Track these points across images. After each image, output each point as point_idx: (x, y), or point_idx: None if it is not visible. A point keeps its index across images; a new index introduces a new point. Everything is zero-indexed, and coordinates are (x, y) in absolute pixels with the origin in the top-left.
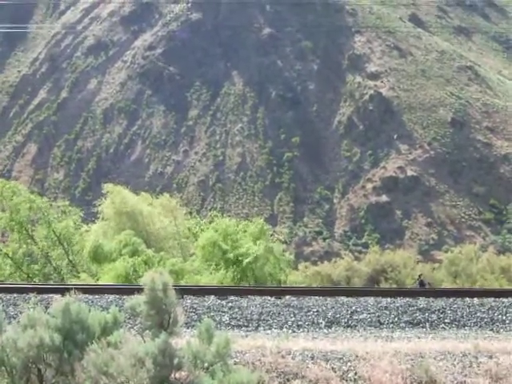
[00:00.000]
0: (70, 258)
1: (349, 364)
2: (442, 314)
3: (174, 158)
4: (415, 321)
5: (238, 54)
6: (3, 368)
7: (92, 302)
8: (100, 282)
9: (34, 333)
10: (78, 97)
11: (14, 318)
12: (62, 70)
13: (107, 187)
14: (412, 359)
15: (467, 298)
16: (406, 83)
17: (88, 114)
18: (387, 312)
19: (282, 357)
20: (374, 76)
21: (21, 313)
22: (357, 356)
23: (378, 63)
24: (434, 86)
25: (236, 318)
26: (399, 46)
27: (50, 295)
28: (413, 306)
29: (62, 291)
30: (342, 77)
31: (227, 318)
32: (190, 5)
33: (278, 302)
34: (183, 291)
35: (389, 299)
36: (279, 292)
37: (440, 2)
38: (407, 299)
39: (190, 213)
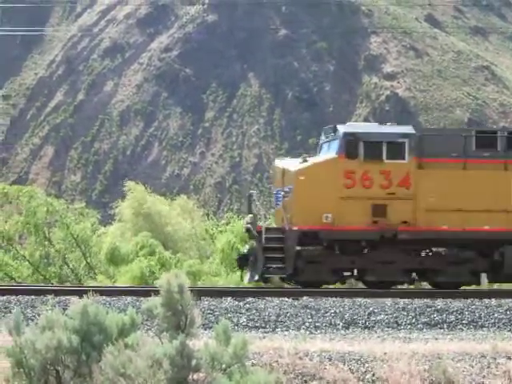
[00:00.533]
0: (88, 260)
1: (366, 365)
2: (459, 314)
3: (191, 159)
4: (433, 322)
5: (254, 56)
6: (21, 370)
7: (109, 303)
8: (117, 284)
9: (52, 335)
10: (95, 99)
11: (32, 320)
12: (78, 73)
13: (128, 185)
14: (430, 360)
15: (485, 299)
16: (422, 84)
17: (104, 116)
18: (405, 313)
19: (300, 358)
20: (391, 77)
21: (39, 315)
22: (374, 357)
23: (394, 64)
24: (450, 87)
25: (253, 319)
26: (415, 47)
27: (68, 297)
28: (430, 307)
29: (80, 293)
30: (358, 78)
31: (244, 320)
32: (205, 7)
33: (296, 303)
34: (200, 293)
35: (406, 300)
36: (296, 293)
37: (456, 2)
38: (425, 300)
39: (207, 214)
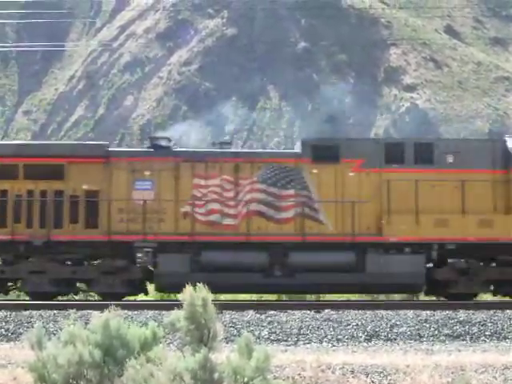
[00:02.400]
0: None
1: (389, 378)
2: (482, 326)
3: None
4: (455, 333)
5: (274, 69)
6: None
7: (131, 317)
8: (139, 298)
9: (74, 349)
10: (115, 113)
11: (54, 335)
12: (98, 87)
13: None
14: (453, 372)
15: (508, 310)
16: (442, 95)
17: (125, 131)
18: (427, 325)
19: (322, 371)
20: (410, 88)
21: (61, 329)
22: (397, 369)
23: (414, 75)
24: (470, 98)
25: (275, 332)
26: (435, 58)
27: (90, 311)
28: (453, 319)
29: (102, 307)
30: (377, 89)
31: (266, 333)
32: (224, 20)
33: (318, 315)
34: (222, 306)
35: (428, 312)
36: (318, 306)
37: (476, 13)
38: (447, 312)
39: None
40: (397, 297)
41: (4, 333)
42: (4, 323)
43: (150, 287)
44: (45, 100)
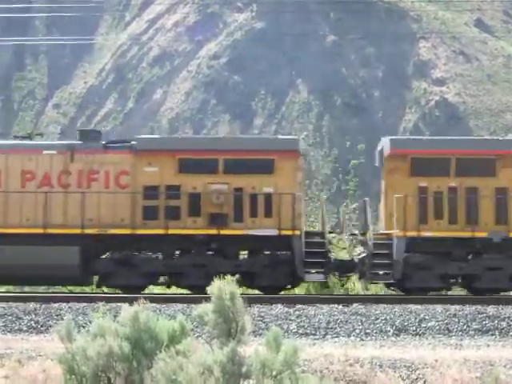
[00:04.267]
0: None
1: (417, 372)
2: (511, 321)
3: None
4: (484, 328)
5: (303, 62)
6: (73, 377)
7: (160, 310)
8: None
9: (104, 342)
10: (144, 107)
11: (84, 327)
12: (127, 81)
13: None
14: (481, 367)
15: None
16: (472, 89)
17: (154, 124)
18: (456, 319)
19: (350, 365)
20: (440, 82)
21: (90, 322)
22: (426, 364)
23: (444, 69)
24: (500, 91)
25: (303, 326)
26: (465, 52)
27: (119, 304)
28: (482, 314)
29: (131, 300)
30: (407, 83)
31: (294, 326)
32: (253, 14)
33: (346, 309)
34: (251, 299)
35: (457, 306)
36: (347, 300)
37: (505, 7)
38: (476, 306)
39: None
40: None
41: (34, 325)
42: (34, 315)
43: None
44: (74, 93)
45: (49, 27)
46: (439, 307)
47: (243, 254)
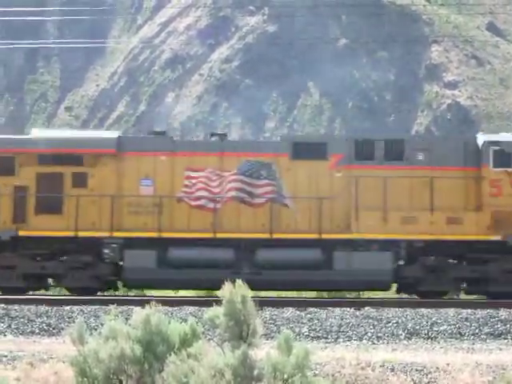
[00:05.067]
0: None
1: (429, 376)
2: None
3: None
4: (496, 332)
5: (314, 66)
6: (85, 379)
7: (171, 313)
8: (179, 294)
9: (115, 344)
10: (156, 110)
11: (96, 330)
12: (139, 84)
13: None
14: (494, 371)
15: None
16: (484, 92)
17: (166, 127)
18: (468, 323)
19: (362, 368)
20: (452, 85)
21: (102, 324)
22: (437, 368)
23: (456, 72)
24: None
25: (315, 329)
26: (477, 55)
27: (131, 307)
28: (494, 318)
29: (142, 303)
30: (419, 86)
31: (306, 330)
32: (265, 17)
33: (358, 313)
34: (262, 302)
35: (469, 310)
36: (358, 303)
37: None
38: (488, 310)
39: None
40: None
41: (45, 327)
42: (45, 318)
43: None
44: (86, 96)
45: (61, 30)
46: (451, 311)
47: None
